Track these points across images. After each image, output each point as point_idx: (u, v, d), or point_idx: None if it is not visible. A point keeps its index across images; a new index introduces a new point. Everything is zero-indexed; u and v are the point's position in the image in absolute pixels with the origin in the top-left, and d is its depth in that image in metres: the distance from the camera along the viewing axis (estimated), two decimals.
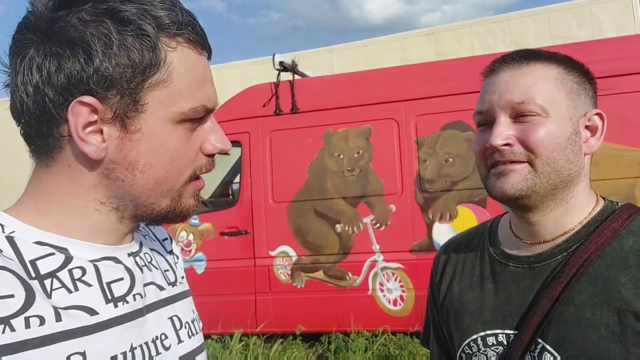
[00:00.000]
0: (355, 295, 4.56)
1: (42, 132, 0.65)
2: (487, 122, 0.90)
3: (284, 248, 4.74)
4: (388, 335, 4.49)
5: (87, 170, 0.67)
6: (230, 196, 5.69)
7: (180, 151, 0.68)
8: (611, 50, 4.21)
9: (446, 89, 4.42)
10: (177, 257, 0.92)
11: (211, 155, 0.73)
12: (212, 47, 0.73)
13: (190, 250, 4.91)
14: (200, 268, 4.85)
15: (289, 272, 4.72)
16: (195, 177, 0.73)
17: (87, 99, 0.62)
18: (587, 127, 0.90)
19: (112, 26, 0.62)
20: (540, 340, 0.84)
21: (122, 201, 0.69)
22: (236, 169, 5.39)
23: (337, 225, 4.62)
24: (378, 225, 4.54)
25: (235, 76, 10.12)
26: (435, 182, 4.44)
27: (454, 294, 1.01)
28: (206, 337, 3.70)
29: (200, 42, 0.68)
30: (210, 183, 6.00)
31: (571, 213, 0.90)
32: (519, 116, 0.86)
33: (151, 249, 0.83)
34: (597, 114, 0.90)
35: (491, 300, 0.93)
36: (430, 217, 4.43)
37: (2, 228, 0.65)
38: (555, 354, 0.83)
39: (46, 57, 0.62)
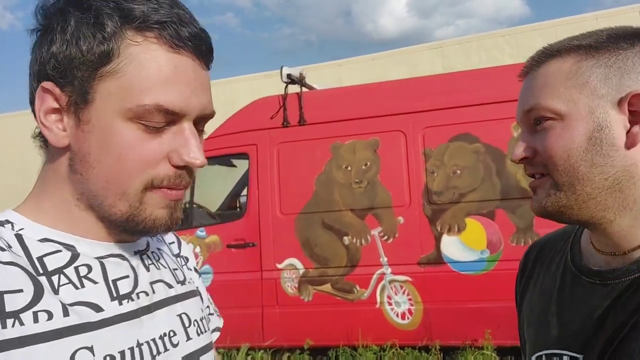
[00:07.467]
0: (363, 308, 4.52)
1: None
2: None
3: (292, 260, 4.71)
4: (396, 349, 4.43)
5: (61, 161, 0.68)
6: (238, 208, 5.69)
7: (129, 151, 0.64)
8: None
9: (453, 101, 4.42)
10: (187, 259, 0.93)
11: (180, 167, 0.67)
12: (214, 57, 0.70)
13: (197, 263, 4.89)
14: (207, 281, 4.83)
15: (296, 285, 4.68)
16: (160, 186, 0.67)
17: (46, 84, 0.64)
18: (632, 112, 0.72)
19: (73, 13, 0.62)
20: None
21: (88, 199, 0.67)
22: (244, 181, 5.40)
23: (345, 238, 4.60)
24: (386, 237, 4.51)
25: (245, 90, 10.19)
26: (443, 194, 4.40)
27: (527, 302, 0.93)
28: None
29: (178, 42, 0.64)
30: (218, 195, 6.02)
31: None
32: (534, 125, 0.78)
33: (158, 249, 0.84)
34: (636, 95, 0.71)
35: (559, 316, 0.84)
36: (439, 229, 4.39)
37: (12, 225, 0.66)
38: None
39: (34, 45, 0.66)
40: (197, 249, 4.94)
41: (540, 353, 0.84)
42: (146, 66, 0.62)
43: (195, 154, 0.66)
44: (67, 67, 0.63)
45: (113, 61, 0.62)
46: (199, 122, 0.69)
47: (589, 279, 0.80)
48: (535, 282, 0.93)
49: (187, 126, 0.66)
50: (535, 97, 0.77)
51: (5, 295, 0.59)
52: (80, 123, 0.64)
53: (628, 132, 0.72)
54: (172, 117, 0.65)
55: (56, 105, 0.65)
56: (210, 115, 0.70)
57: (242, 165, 5.34)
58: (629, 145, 0.72)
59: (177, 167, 0.67)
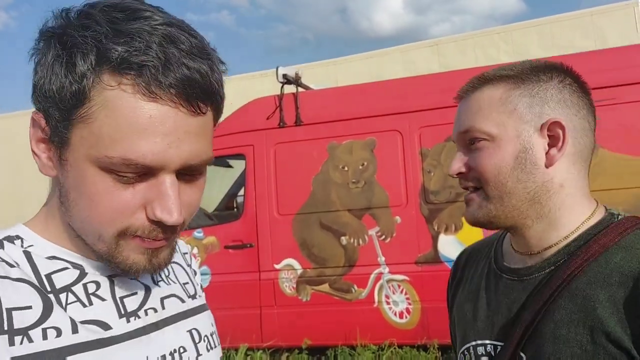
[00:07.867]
0: (361, 308, 4.53)
1: None
2: None
3: (289, 261, 4.72)
4: (395, 348, 4.44)
5: (57, 189, 0.67)
6: (235, 209, 5.69)
7: (100, 199, 0.60)
8: (615, 59, 4.21)
9: (450, 101, 4.38)
10: (195, 272, 0.93)
11: (154, 221, 0.62)
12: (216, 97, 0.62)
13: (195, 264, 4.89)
14: (204, 282, 4.84)
15: (294, 285, 4.69)
16: (135, 235, 0.63)
17: (34, 114, 0.63)
18: (550, 136, 0.85)
19: (54, 46, 0.59)
20: (522, 354, 0.84)
21: (75, 231, 0.66)
22: (240, 182, 5.39)
23: (343, 238, 4.60)
24: (383, 237, 4.52)
25: (241, 89, 10.17)
26: (440, 194, 4.42)
27: (458, 302, 1.03)
28: None
29: (156, 90, 0.57)
30: (215, 196, 6.01)
31: (555, 227, 0.87)
32: (469, 144, 0.89)
33: (171, 262, 0.83)
34: (553, 122, 0.84)
35: (484, 310, 0.94)
36: (436, 228, 4.40)
37: (22, 241, 0.67)
38: None
39: None
40: (195, 250, 4.94)
41: (468, 345, 0.94)
42: (118, 114, 0.57)
43: (169, 211, 0.60)
44: (44, 103, 0.60)
45: (85, 105, 0.58)
46: (189, 170, 0.63)
47: (509, 277, 0.92)
48: (464, 285, 1.03)
49: (165, 179, 0.61)
50: (470, 120, 0.88)
51: (13, 312, 0.59)
52: (61, 160, 0.62)
53: (547, 153, 0.85)
54: (144, 170, 0.59)
55: (44, 136, 0.63)
56: (204, 162, 0.64)
57: (238, 166, 5.34)
58: (548, 164, 0.85)
59: (151, 220, 0.62)
